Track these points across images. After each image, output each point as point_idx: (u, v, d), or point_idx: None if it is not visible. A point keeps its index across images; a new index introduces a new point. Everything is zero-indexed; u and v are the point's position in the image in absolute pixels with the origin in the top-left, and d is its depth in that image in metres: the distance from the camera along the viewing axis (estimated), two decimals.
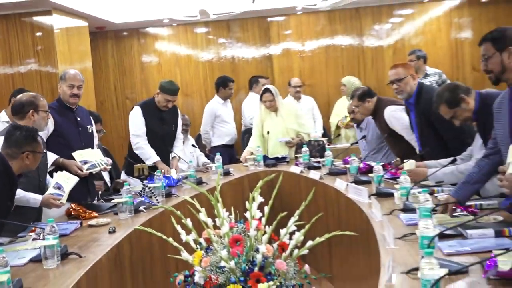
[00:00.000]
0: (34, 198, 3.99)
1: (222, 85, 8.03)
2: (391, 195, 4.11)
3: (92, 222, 4.04)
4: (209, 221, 3.02)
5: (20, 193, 3.89)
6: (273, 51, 9.87)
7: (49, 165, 4.58)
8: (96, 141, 5.26)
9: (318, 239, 2.89)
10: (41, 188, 4.26)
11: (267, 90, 6.72)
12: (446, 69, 9.39)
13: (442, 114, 4.06)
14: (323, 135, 8.32)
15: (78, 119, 4.96)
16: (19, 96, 4.42)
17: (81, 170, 4.72)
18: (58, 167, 4.69)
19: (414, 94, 4.96)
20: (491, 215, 3.24)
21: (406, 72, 5.00)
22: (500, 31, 3.22)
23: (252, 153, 6.64)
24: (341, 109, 8.29)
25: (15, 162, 3.57)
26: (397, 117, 5.37)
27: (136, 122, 5.94)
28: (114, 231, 3.75)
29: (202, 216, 3.06)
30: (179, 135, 6.24)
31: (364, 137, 6.01)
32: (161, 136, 5.95)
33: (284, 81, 9.18)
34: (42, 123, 4.30)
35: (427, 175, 4.23)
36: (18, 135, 3.62)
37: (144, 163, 5.75)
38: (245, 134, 8.16)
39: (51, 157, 4.66)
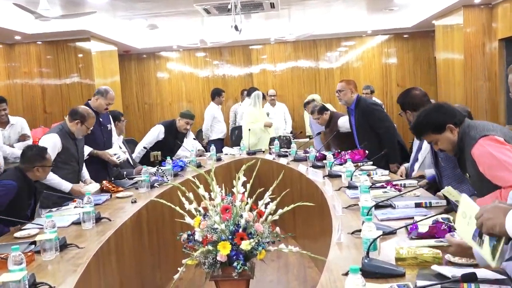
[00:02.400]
0: (66, 185, 3.86)
1: (217, 94, 7.97)
2: (339, 176, 4.09)
3: (119, 194, 3.96)
4: (206, 194, 2.97)
5: (55, 178, 3.80)
6: (253, 71, 9.80)
7: (85, 155, 4.47)
8: (115, 135, 5.08)
9: (286, 208, 2.86)
10: (78, 174, 4.16)
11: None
12: (378, 85, 9.45)
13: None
14: (291, 132, 8.29)
15: (101, 119, 4.78)
16: (80, 106, 4.24)
17: (111, 158, 4.65)
18: (92, 156, 4.58)
19: (354, 102, 4.99)
20: (412, 192, 3.23)
21: (346, 87, 5.03)
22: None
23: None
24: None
25: (29, 174, 3.40)
26: (344, 121, 5.42)
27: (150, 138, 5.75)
28: (135, 202, 3.68)
29: (201, 190, 3.00)
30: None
31: (318, 133, 6.03)
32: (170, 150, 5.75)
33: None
34: (80, 133, 4.10)
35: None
36: (30, 154, 3.42)
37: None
38: (234, 131, 8.08)
39: (87, 149, 4.52)
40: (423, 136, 2.60)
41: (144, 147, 5.71)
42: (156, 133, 5.77)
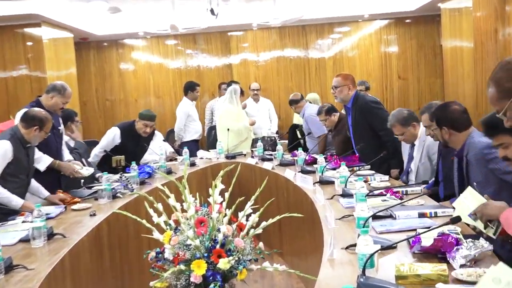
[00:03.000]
0: (17, 201, 3.78)
1: (190, 88, 7.96)
2: (332, 182, 4.12)
3: (75, 206, 3.92)
4: (178, 205, 2.96)
5: (4, 192, 3.73)
6: (232, 61, 9.80)
7: (43, 167, 4.38)
8: (64, 139, 4.98)
9: (271, 220, 2.86)
10: (26, 189, 4.08)
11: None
12: (377, 77, 9.54)
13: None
14: (276, 132, 8.31)
15: (53, 121, 4.72)
16: (35, 109, 4.15)
17: (75, 173, 4.53)
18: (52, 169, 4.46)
19: (351, 100, 5.06)
20: (415, 200, 3.28)
21: (343, 82, 5.10)
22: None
23: None
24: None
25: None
26: None
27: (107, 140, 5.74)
28: (94, 214, 3.65)
29: (171, 201, 2.99)
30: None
31: (309, 133, 6.11)
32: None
33: (242, 86, 9.14)
34: (37, 140, 4.04)
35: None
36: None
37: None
38: (211, 131, 8.04)
39: (45, 160, 4.42)
40: (498, 135, 2.52)
41: (105, 150, 5.66)
42: (111, 137, 5.73)
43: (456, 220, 2.19)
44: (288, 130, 7.63)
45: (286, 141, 7.71)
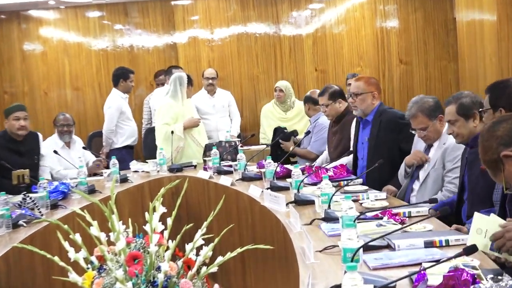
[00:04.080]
0: None
1: (122, 77, 7.90)
2: (311, 202, 4.15)
3: None
4: (103, 236, 2.94)
5: None
6: (178, 39, 9.79)
7: None
8: None
9: (230, 254, 2.87)
10: None
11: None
12: (371, 61, 9.65)
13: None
14: (238, 136, 8.32)
15: None
16: None
17: None
18: None
19: (373, 112, 5.25)
20: (420, 224, 3.33)
21: (366, 88, 5.25)
22: None
23: None
24: (271, 118, 8.40)
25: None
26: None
27: None
28: None
29: (94, 230, 2.98)
30: None
31: (307, 133, 6.41)
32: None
33: (190, 73, 9.13)
34: None
35: None
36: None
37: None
38: (149, 134, 7.92)
39: None
40: None
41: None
42: None
43: (471, 250, 2.25)
44: (273, 136, 7.63)
45: (252, 147, 7.75)
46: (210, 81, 8.53)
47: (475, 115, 3.89)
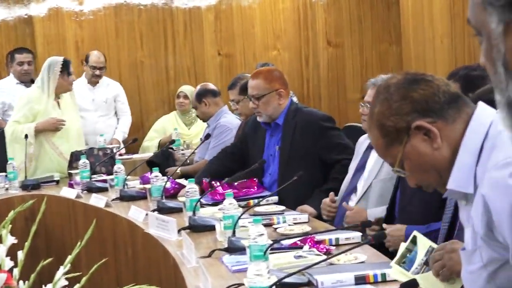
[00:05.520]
0: None
1: None
2: (211, 228, 4.18)
3: None
4: None
5: None
6: (34, 12, 9.65)
7: None
8: None
9: None
10: None
11: None
12: (291, 43, 9.75)
13: None
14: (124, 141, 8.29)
15: None
16: None
17: None
18: None
19: (283, 115, 5.27)
20: (350, 254, 3.41)
21: (268, 87, 5.23)
22: None
23: None
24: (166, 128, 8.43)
25: None
26: None
27: None
28: None
29: None
30: None
31: (207, 136, 6.25)
32: None
33: (52, 55, 9.07)
34: None
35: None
36: None
37: None
38: None
39: None
40: None
41: None
42: None
43: (411, 286, 2.33)
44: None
45: (132, 156, 7.72)
46: (98, 71, 8.47)
47: None
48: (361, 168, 4.62)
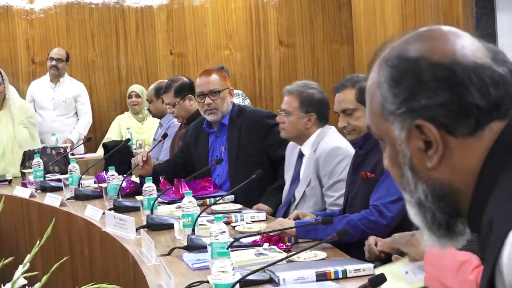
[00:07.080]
0: None
1: None
2: (170, 226, 4.17)
3: None
4: None
5: None
6: None
7: None
8: None
9: None
10: None
11: None
12: (243, 43, 9.74)
13: None
14: (87, 139, 8.22)
15: None
16: None
17: None
18: None
19: (229, 113, 5.32)
20: (311, 251, 3.41)
21: (224, 84, 5.30)
22: None
23: None
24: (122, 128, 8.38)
25: None
26: None
27: None
28: None
29: None
30: None
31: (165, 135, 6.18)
32: None
33: (3, 56, 8.96)
34: None
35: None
36: None
37: None
38: None
39: None
40: None
41: None
42: None
43: (378, 280, 2.32)
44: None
45: (85, 156, 7.68)
46: (54, 62, 8.38)
47: None
48: (296, 178, 4.69)
